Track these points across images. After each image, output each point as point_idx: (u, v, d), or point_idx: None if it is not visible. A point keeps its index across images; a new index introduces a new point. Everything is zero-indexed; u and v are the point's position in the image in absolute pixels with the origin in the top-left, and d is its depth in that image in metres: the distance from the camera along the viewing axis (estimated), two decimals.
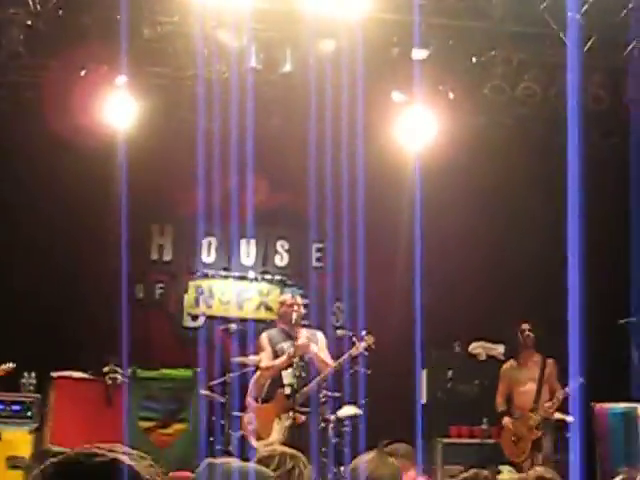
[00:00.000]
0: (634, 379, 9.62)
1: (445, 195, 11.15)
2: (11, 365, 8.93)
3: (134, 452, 1.79)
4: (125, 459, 1.72)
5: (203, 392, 9.72)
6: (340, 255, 10.25)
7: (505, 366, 10.16)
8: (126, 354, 9.48)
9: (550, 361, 9.89)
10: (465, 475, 4.81)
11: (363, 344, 8.59)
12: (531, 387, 9.92)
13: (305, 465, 4.07)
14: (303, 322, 8.81)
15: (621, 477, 4.70)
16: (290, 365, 8.39)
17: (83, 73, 10.04)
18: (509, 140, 11.14)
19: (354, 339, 8.66)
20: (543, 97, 10.21)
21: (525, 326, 10.10)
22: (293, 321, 8.54)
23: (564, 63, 8.75)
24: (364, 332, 8.68)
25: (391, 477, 4.58)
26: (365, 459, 4.73)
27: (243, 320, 10.98)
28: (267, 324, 10.69)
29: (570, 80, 9.80)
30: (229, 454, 9.35)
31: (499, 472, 9.49)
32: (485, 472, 4.81)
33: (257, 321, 11.25)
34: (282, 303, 8.91)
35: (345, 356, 8.61)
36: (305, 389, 8.41)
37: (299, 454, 4.17)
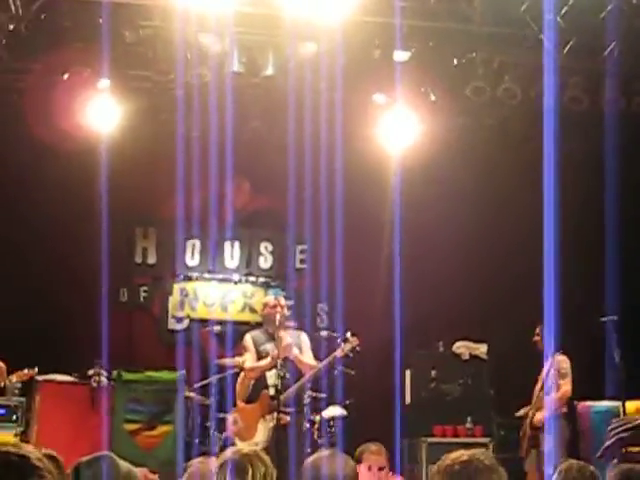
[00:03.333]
0: (615, 377, 9.68)
1: (426, 196, 11.22)
2: (30, 371, 8.86)
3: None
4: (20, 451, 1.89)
5: (188, 394, 9.76)
6: (322, 256, 10.32)
7: None
8: (107, 356, 9.50)
9: (553, 358, 9.88)
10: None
11: (348, 345, 8.63)
12: (538, 386, 9.96)
13: (267, 466, 4.12)
14: (287, 323, 8.83)
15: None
16: (274, 366, 8.42)
17: (65, 76, 10.05)
18: (490, 140, 11.22)
19: (339, 340, 8.71)
20: (523, 98, 10.28)
21: (537, 330, 10.12)
22: (277, 322, 8.56)
23: (544, 64, 8.85)
24: (349, 334, 8.72)
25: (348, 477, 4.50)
26: (322, 457, 4.67)
27: (227, 322, 11.02)
28: (251, 326, 10.71)
29: (547, 82, 9.92)
30: (215, 455, 9.40)
31: None
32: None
33: (241, 323, 11.29)
34: (265, 305, 8.94)
35: (330, 358, 8.65)
36: (289, 390, 8.44)
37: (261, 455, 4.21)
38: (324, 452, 4.87)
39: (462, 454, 3.72)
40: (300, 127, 9.87)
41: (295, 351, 8.59)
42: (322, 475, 4.23)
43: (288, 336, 8.68)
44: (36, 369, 8.85)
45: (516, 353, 10.51)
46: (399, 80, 9.81)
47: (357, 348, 8.64)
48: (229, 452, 4.26)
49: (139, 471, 3.88)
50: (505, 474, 3.71)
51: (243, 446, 8.52)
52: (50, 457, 1.89)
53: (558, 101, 10.25)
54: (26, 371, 8.78)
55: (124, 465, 3.29)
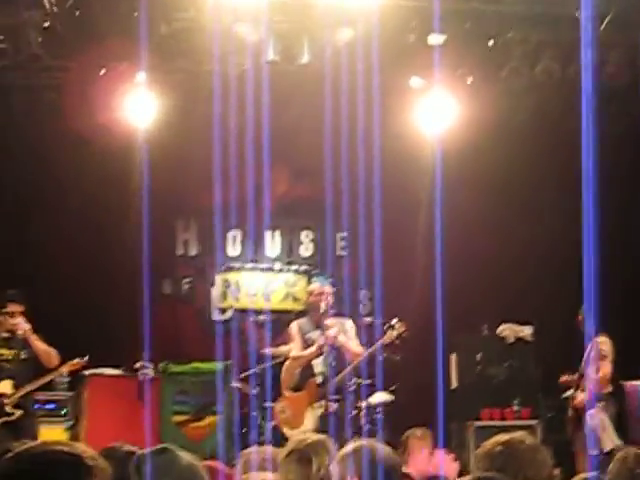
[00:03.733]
0: None
1: (465, 179, 11.15)
2: (80, 360, 8.89)
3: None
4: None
5: (234, 384, 9.79)
6: (363, 243, 10.29)
7: None
8: (152, 349, 9.53)
9: (596, 339, 9.83)
10: None
11: (395, 332, 8.60)
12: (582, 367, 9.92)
13: (332, 455, 4.10)
14: (332, 311, 8.80)
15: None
16: (321, 354, 8.41)
17: (102, 72, 10.10)
18: (528, 122, 11.12)
19: (385, 327, 8.68)
20: (562, 77, 10.19)
21: (580, 311, 10.06)
22: (322, 310, 8.54)
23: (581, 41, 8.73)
24: (395, 320, 8.69)
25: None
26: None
27: (270, 312, 11.04)
28: (294, 315, 10.73)
29: (584, 58, 9.81)
30: (261, 444, 9.43)
31: None
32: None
33: (284, 312, 11.30)
34: (310, 292, 8.92)
35: (377, 344, 8.62)
36: (337, 378, 8.44)
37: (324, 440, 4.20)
38: (365, 440, 4.77)
39: (502, 436, 3.72)
40: (337, 114, 9.83)
41: (341, 338, 8.57)
42: (365, 463, 4.18)
43: (334, 324, 8.66)
44: (86, 358, 8.87)
45: (562, 334, 10.44)
46: (435, 63, 9.75)
47: (404, 334, 8.62)
48: (294, 441, 4.25)
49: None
50: (549, 454, 3.69)
51: (292, 434, 8.57)
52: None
53: (597, 77, 10.15)
54: (77, 360, 8.81)
55: (185, 457, 3.28)
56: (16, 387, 8.53)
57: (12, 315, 8.67)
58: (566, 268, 10.85)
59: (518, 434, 3.82)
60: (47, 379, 8.78)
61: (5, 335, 8.73)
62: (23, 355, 8.67)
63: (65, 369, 8.81)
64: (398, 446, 7.08)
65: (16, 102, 10.49)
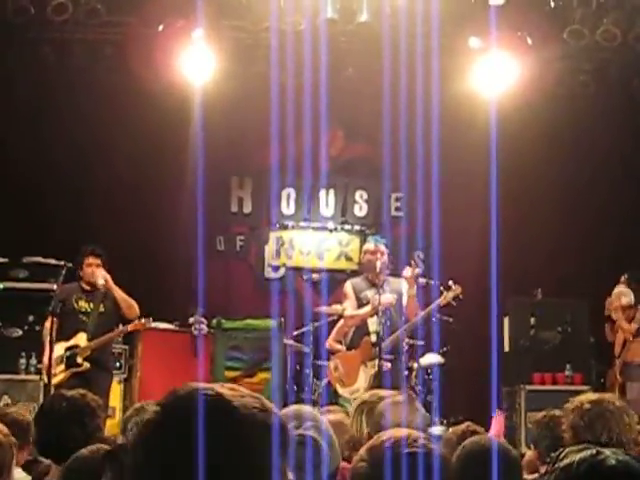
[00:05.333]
0: None
1: (524, 141, 11.06)
2: (147, 320, 8.97)
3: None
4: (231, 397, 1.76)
5: (287, 341, 9.84)
6: (418, 204, 10.26)
7: None
8: (205, 305, 9.62)
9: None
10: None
11: (451, 294, 8.58)
12: (620, 335, 9.89)
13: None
14: (387, 271, 8.78)
15: None
16: (375, 313, 8.41)
17: (160, 28, 10.11)
18: (588, 85, 10.98)
19: (442, 288, 8.65)
20: (623, 41, 10.05)
21: (622, 279, 10.05)
22: (377, 269, 8.52)
23: None
24: (451, 282, 8.66)
25: (417, 427, 4.33)
26: (393, 403, 4.53)
27: (323, 270, 11.06)
28: (347, 274, 10.76)
29: None
30: (314, 402, 9.50)
31: None
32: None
33: (336, 271, 11.34)
34: (366, 251, 8.88)
35: (433, 305, 8.60)
36: (391, 337, 8.44)
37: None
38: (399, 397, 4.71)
39: (590, 395, 3.75)
40: (395, 74, 9.78)
41: (402, 297, 8.56)
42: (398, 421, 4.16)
43: (388, 285, 8.64)
44: (151, 319, 8.93)
45: None
46: (495, 24, 9.63)
47: (460, 296, 8.59)
48: (367, 395, 4.30)
49: None
50: (636, 418, 3.70)
51: (344, 392, 8.62)
52: None
53: None
54: (143, 320, 8.88)
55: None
56: (90, 340, 8.66)
57: (91, 266, 8.82)
58: (620, 233, 10.81)
59: (608, 395, 3.89)
60: (114, 335, 8.87)
61: (86, 288, 8.86)
62: (101, 309, 8.79)
63: (130, 328, 8.89)
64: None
65: (75, 56, 10.54)
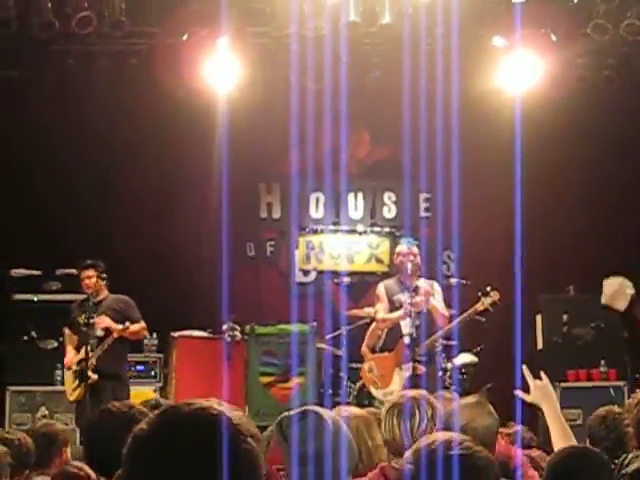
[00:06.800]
0: None
1: (549, 138, 11.05)
2: (124, 327, 9.07)
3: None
4: (228, 413, 1.77)
5: (320, 345, 9.86)
6: (446, 204, 10.25)
7: None
8: (237, 311, 9.65)
9: None
10: None
11: (489, 299, 8.57)
12: None
13: (434, 408, 4.15)
14: (419, 272, 8.79)
15: None
16: (409, 315, 8.42)
17: (185, 37, 10.16)
18: (613, 80, 10.92)
19: (479, 294, 8.64)
20: None
21: None
22: (409, 271, 8.54)
23: None
24: (489, 287, 8.65)
25: (486, 430, 4.36)
26: (463, 405, 4.57)
27: (354, 273, 11.08)
28: (378, 276, 10.77)
29: None
30: (349, 405, 9.52)
31: None
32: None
33: (367, 274, 11.35)
34: (398, 254, 8.89)
35: (471, 311, 8.60)
36: (427, 341, 8.45)
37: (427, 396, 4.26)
38: (469, 400, 4.79)
39: None
40: (419, 74, 9.78)
41: (432, 301, 8.56)
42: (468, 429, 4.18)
43: (423, 286, 8.65)
44: (127, 324, 9.10)
45: None
46: (518, 22, 9.62)
47: (498, 302, 8.56)
48: (395, 396, 4.32)
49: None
50: None
51: (379, 394, 8.63)
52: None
53: None
54: (125, 325, 9.03)
55: (330, 418, 3.32)
56: (91, 352, 8.78)
57: (85, 280, 9.04)
58: None
59: None
60: (106, 344, 8.94)
61: (85, 300, 9.02)
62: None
63: (116, 334, 8.99)
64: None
65: (100, 68, 10.60)
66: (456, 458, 2.56)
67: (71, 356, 8.99)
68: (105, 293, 9.14)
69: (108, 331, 8.89)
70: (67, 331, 9.18)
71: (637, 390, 5.96)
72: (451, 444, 2.62)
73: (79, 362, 8.82)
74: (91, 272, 9.04)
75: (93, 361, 8.75)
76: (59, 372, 9.74)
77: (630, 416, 3.90)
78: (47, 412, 9.59)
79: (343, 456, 3.25)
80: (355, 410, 4.78)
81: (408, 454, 2.69)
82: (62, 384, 9.62)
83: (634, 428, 3.96)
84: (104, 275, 9.10)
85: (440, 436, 2.69)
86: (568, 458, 3.65)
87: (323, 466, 3.18)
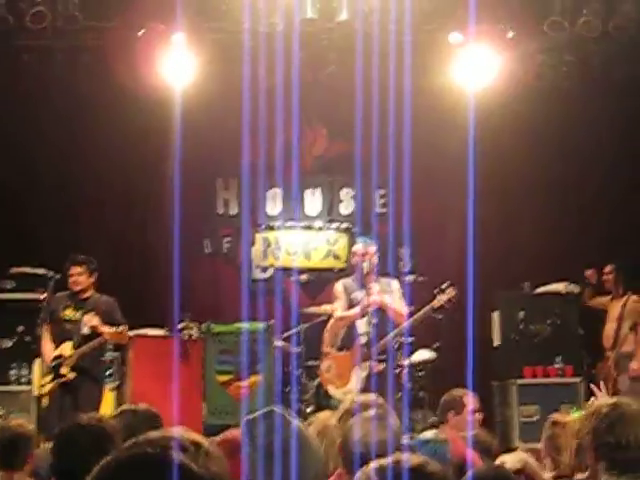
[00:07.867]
0: None
1: (505, 134, 11.09)
2: (122, 329, 8.98)
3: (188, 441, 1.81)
4: (177, 455, 1.75)
5: (277, 343, 9.82)
6: (401, 200, 10.24)
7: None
8: (194, 309, 9.58)
9: (633, 297, 9.84)
10: None
11: (445, 296, 8.57)
12: (611, 327, 9.92)
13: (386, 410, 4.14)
14: (377, 271, 8.77)
15: None
16: (365, 314, 8.41)
17: (140, 33, 10.07)
18: (570, 77, 10.96)
19: (435, 291, 8.64)
20: (604, 31, 10.04)
21: (606, 269, 10.12)
22: (365, 271, 8.54)
23: None
24: (445, 284, 8.65)
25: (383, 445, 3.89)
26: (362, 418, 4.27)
27: (311, 270, 11.05)
28: (335, 273, 10.76)
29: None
30: (306, 402, 9.51)
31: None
32: None
33: (325, 270, 11.33)
34: (354, 253, 8.88)
35: (426, 309, 8.60)
36: (383, 341, 8.44)
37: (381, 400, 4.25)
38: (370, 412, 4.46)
39: (609, 399, 3.82)
40: (375, 70, 9.75)
41: (386, 300, 8.54)
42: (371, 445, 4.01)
43: (378, 285, 8.64)
44: (126, 327, 8.95)
45: (604, 290, 10.41)
46: (475, 18, 9.61)
47: (453, 300, 8.57)
48: (347, 404, 4.34)
49: None
50: None
51: (336, 393, 8.62)
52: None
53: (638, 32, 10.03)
54: (120, 329, 8.89)
55: (292, 420, 3.36)
56: (75, 349, 8.68)
57: (73, 276, 8.88)
58: (601, 224, 10.82)
59: (625, 399, 4.00)
60: (95, 344, 8.85)
61: (74, 296, 8.90)
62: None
63: (107, 337, 8.89)
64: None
65: (55, 64, 10.49)
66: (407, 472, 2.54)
67: (50, 350, 8.80)
68: (91, 291, 9.01)
69: (95, 331, 8.76)
70: (45, 325, 8.88)
71: (592, 386, 6.00)
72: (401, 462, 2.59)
73: (55, 357, 8.70)
74: (82, 269, 8.91)
75: (75, 358, 8.64)
76: (14, 372, 9.64)
77: (588, 424, 3.89)
78: (2, 412, 9.47)
79: (307, 453, 3.30)
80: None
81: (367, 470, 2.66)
82: (18, 384, 9.53)
83: (589, 437, 3.93)
84: (95, 273, 8.99)
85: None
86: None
87: (289, 460, 3.21)
